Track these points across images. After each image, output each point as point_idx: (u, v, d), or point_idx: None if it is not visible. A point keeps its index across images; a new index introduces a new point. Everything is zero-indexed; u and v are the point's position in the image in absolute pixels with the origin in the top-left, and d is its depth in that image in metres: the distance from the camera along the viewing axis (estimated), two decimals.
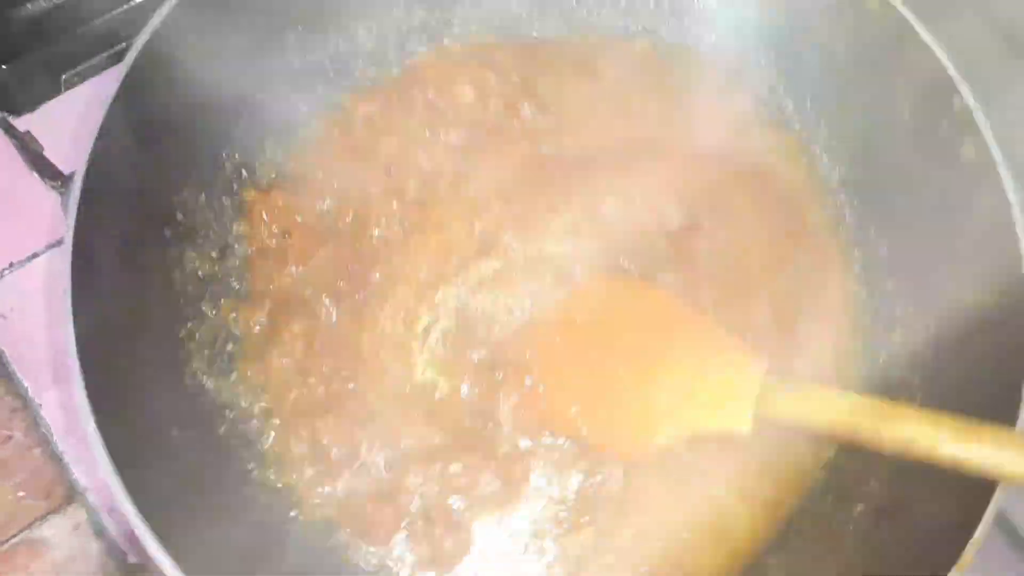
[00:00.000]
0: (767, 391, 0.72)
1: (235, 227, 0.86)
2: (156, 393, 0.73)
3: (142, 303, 0.76)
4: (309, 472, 0.78)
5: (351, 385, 0.81)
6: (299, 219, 0.86)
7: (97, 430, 0.62)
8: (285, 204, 0.86)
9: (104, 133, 0.71)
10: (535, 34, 0.99)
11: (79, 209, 0.68)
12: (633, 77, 0.93)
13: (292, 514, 0.78)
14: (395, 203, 0.87)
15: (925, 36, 0.78)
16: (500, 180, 0.89)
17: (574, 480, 0.80)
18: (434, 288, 0.85)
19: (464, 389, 0.82)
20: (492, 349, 0.82)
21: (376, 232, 0.86)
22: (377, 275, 0.85)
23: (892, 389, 0.80)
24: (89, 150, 0.70)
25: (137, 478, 0.63)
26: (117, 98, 0.72)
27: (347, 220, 0.86)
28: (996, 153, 0.73)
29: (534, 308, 0.84)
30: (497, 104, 0.92)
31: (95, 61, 0.97)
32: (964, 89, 0.75)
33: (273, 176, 0.89)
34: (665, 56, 0.97)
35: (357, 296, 0.83)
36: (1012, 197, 0.72)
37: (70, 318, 0.65)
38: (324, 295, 0.83)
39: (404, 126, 0.91)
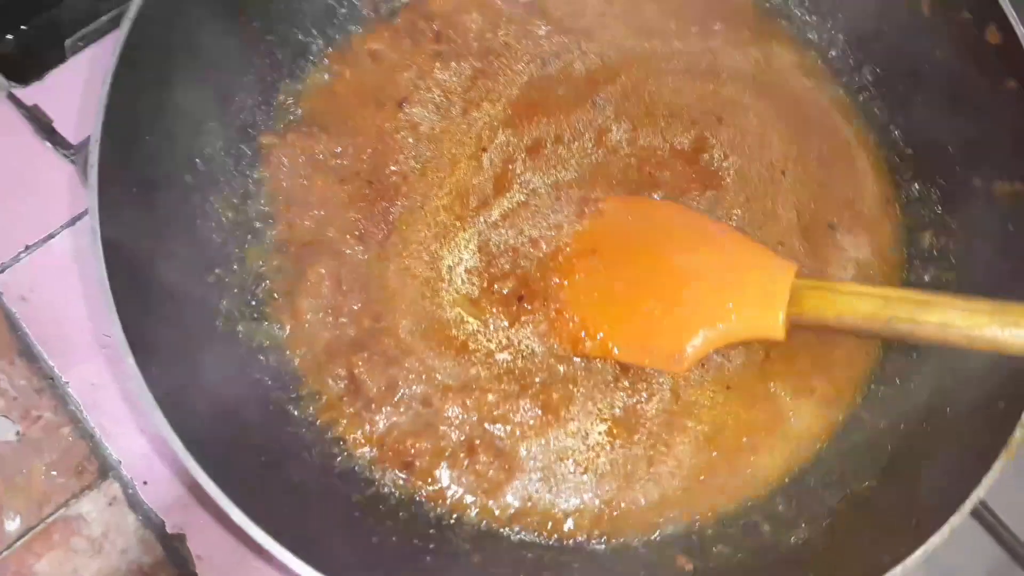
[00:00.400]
0: (798, 292, 0.71)
1: (254, 172, 0.85)
2: (191, 338, 0.73)
3: (170, 252, 0.75)
4: (348, 410, 0.77)
5: (381, 323, 0.80)
6: (318, 159, 0.85)
7: (139, 371, 0.61)
8: (302, 146, 0.85)
9: (114, 93, 0.71)
10: None
11: (100, 168, 0.68)
12: None
13: (334, 451, 0.77)
14: (410, 138, 0.87)
15: None
16: (510, 107, 0.89)
17: (618, 399, 0.79)
18: (455, 227, 0.85)
19: (492, 323, 0.81)
20: (517, 281, 0.82)
21: (393, 167, 0.86)
22: (399, 211, 0.84)
23: (927, 287, 0.80)
24: (102, 113, 0.70)
25: (179, 420, 0.62)
26: (122, 57, 0.72)
27: (363, 158, 0.85)
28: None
29: (556, 237, 0.83)
30: (507, 28, 0.91)
31: (97, 24, 0.95)
32: None
33: (289, 119, 0.88)
34: None
35: (380, 234, 0.83)
36: None
37: (105, 275, 0.64)
38: (347, 235, 0.83)
39: (413, 60, 0.91)
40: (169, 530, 0.86)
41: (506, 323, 0.81)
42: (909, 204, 0.87)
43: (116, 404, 0.90)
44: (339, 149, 0.85)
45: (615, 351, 0.78)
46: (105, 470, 0.88)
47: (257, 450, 0.71)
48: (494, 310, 0.81)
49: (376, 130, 0.87)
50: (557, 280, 0.81)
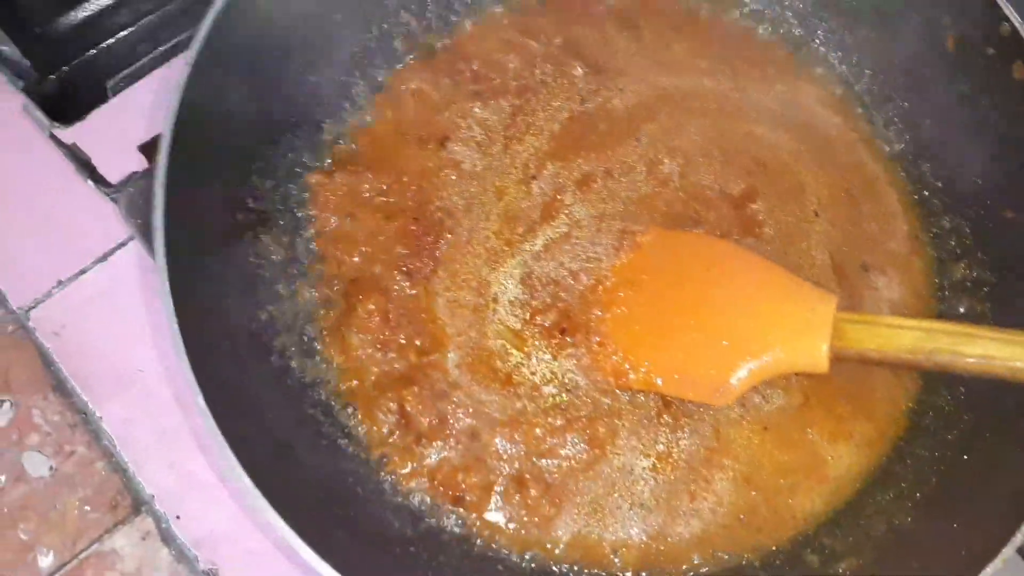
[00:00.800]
0: (839, 325, 0.72)
1: (303, 211, 0.86)
2: (248, 376, 0.73)
3: (223, 290, 0.76)
4: (398, 444, 0.78)
5: (429, 356, 0.81)
6: (364, 197, 0.86)
7: (206, 406, 0.61)
8: (348, 185, 0.86)
9: (175, 129, 0.72)
10: None
11: (166, 201, 0.69)
12: (675, 33, 0.95)
13: (386, 487, 0.78)
14: (453, 175, 0.89)
15: None
16: (554, 142, 0.91)
17: (661, 434, 0.80)
18: (503, 252, 0.86)
19: (535, 355, 0.82)
20: (559, 313, 0.83)
21: (438, 203, 0.87)
22: (445, 246, 0.85)
23: (962, 319, 0.81)
24: (167, 147, 0.70)
25: (246, 458, 0.63)
26: (185, 94, 0.73)
27: (408, 195, 0.87)
28: None
29: (599, 269, 0.84)
30: (543, 68, 0.93)
31: (138, 65, 0.97)
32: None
33: (335, 159, 0.89)
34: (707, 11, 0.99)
35: (426, 269, 0.84)
36: None
37: (173, 315, 0.65)
38: (394, 271, 0.84)
39: (454, 99, 0.92)
40: (202, 566, 0.86)
41: (549, 356, 0.82)
42: (939, 237, 0.89)
43: (149, 438, 0.90)
44: (384, 187, 0.86)
45: (658, 383, 0.78)
46: (138, 505, 0.89)
47: (312, 486, 0.72)
48: (536, 343, 0.82)
49: (419, 168, 0.88)
50: (598, 313, 0.82)
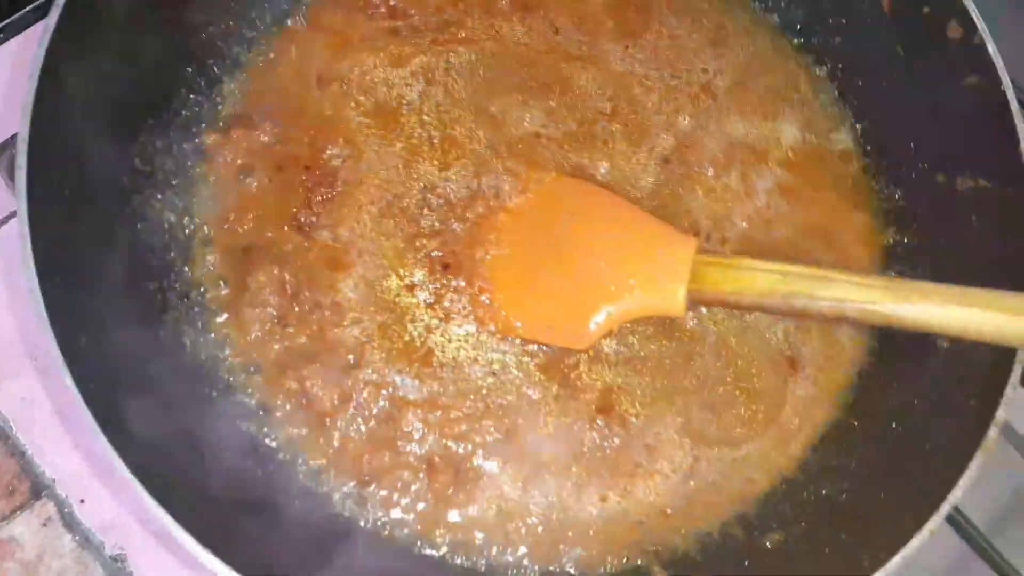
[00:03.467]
0: (699, 268, 0.72)
1: (197, 171, 0.81)
2: (132, 349, 0.68)
3: (108, 260, 0.71)
4: (300, 424, 0.74)
5: (332, 330, 0.76)
6: (259, 148, 0.81)
7: (75, 384, 0.57)
8: (247, 141, 0.81)
9: (42, 89, 0.66)
10: None
11: (29, 173, 0.63)
12: None
13: (288, 468, 0.73)
14: (357, 118, 0.84)
15: None
16: (473, 82, 0.87)
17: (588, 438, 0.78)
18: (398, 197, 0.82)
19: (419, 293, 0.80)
20: (442, 243, 0.81)
21: (334, 150, 0.83)
22: (337, 193, 0.81)
23: None
24: (30, 109, 0.65)
25: (121, 440, 0.58)
26: (50, 51, 0.66)
27: (304, 142, 0.82)
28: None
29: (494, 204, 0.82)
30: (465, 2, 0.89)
31: (21, 14, 0.90)
32: None
33: (232, 112, 0.84)
34: None
35: (320, 221, 0.80)
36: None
37: (36, 284, 0.60)
38: (286, 227, 0.79)
39: (365, 35, 0.87)
40: (108, 551, 0.81)
41: (428, 295, 0.79)
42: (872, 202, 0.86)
43: (50, 420, 0.85)
44: (279, 132, 0.82)
45: (518, 326, 0.78)
46: (38, 490, 0.83)
47: (206, 470, 0.68)
48: (417, 271, 0.79)
49: (316, 112, 0.83)
50: (481, 252, 0.80)
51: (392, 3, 0.87)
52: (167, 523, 0.56)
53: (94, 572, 0.81)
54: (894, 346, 0.79)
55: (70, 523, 0.82)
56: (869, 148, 0.88)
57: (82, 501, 0.82)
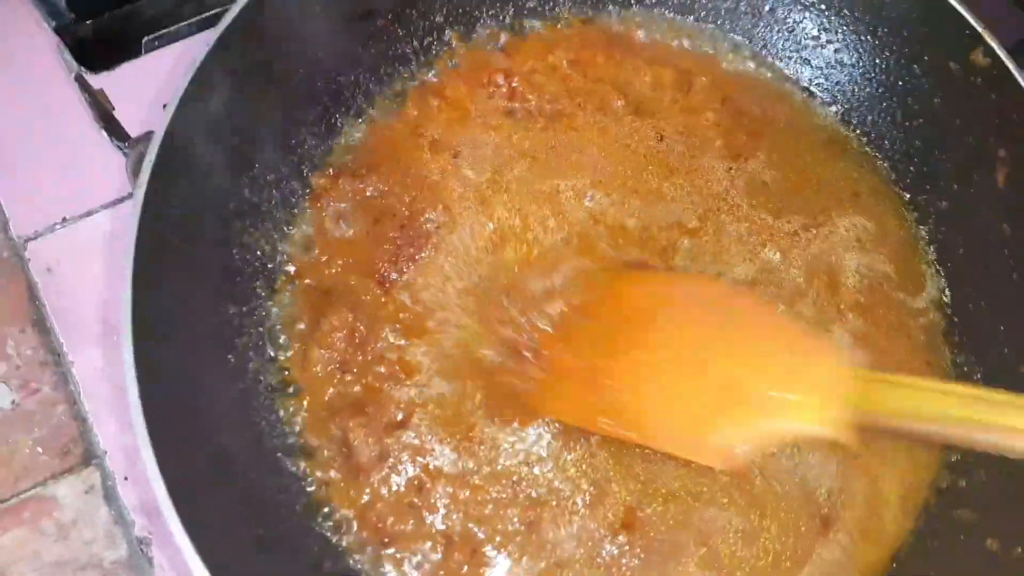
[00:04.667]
0: (864, 385, 0.62)
1: (299, 210, 0.84)
2: (200, 367, 0.72)
3: (198, 274, 0.75)
4: (336, 472, 0.75)
5: (389, 384, 0.78)
6: (361, 199, 0.84)
7: (139, 399, 0.60)
8: (352, 190, 0.84)
9: (186, 100, 0.71)
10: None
11: (153, 171, 0.67)
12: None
13: (313, 512, 0.75)
14: (459, 189, 0.87)
15: None
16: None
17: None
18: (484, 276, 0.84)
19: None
20: (531, 343, 0.79)
21: (432, 215, 0.84)
22: (424, 258, 0.83)
23: None
24: (171, 115, 0.70)
25: (168, 451, 0.61)
26: (202, 67, 0.73)
27: (405, 201, 0.84)
28: None
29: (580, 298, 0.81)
30: (584, 100, 0.90)
31: (177, 28, 0.95)
32: None
33: (344, 161, 0.87)
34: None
35: (401, 279, 0.81)
36: None
37: (129, 281, 0.62)
38: (368, 280, 0.81)
39: (482, 111, 0.90)
40: (137, 532, 0.84)
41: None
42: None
43: (112, 395, 0.88)
44: (384, 188, 0.84)
45: (654, 436, 0.71)
46: (89, 457, 0.87)
47: (239, 498, 0.70)
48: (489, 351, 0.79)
49: (422, 174, 0.86)
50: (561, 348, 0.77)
51: (513, 85, 0.90)
52: (185, 547, 0.58)
53: (119, 548, 0.83)
54: (938, 535, 0.77)
55: (110, 496, 0.85)
56: (955, 319, 0.85)
57: (125, 478, 0.85)
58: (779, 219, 0.88)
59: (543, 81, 0.92)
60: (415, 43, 0.91)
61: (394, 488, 0.75)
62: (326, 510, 0.74)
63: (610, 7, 0.96)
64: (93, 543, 0.84)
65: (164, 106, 0.87)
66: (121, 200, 0.93)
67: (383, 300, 0.81)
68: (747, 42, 0.96)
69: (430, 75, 0.92)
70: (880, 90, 0.91)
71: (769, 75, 0.96)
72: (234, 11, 0.72)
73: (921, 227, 0.90)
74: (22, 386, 0.88)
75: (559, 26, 0.95)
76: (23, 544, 0.83)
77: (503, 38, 0.94)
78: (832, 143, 0.93)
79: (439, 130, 0.88)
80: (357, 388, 0.78)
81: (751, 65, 0.96)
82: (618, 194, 0.87)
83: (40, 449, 0.86)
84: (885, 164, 0.92)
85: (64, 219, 0.92)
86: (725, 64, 0.96)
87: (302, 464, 0.76)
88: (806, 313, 0.84)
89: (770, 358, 0.67)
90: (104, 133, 0.85)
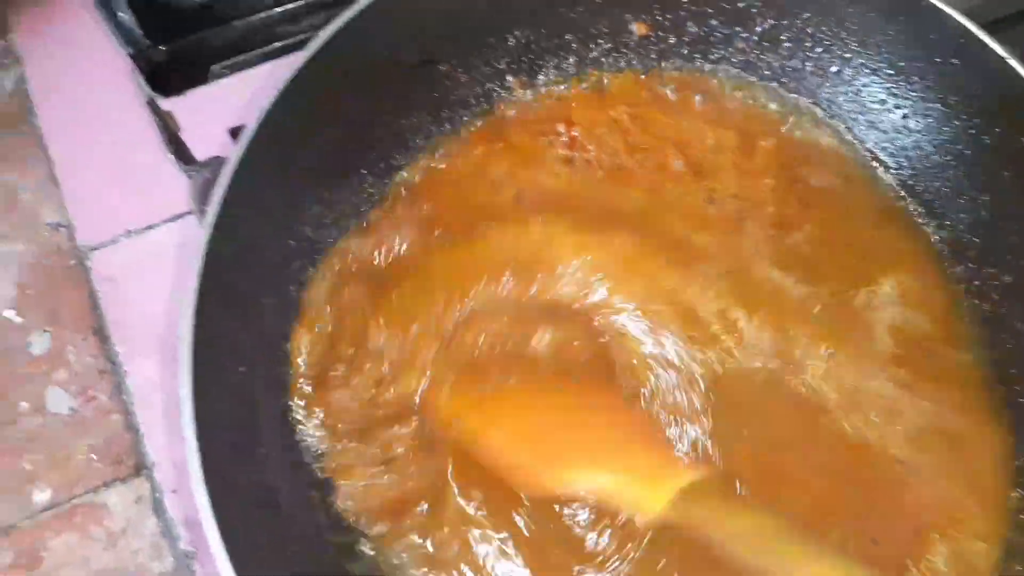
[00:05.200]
0: (691, 496, 0.71)
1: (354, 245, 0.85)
2: (255, 404, 0.72)
3: (256, 312, 0.77)
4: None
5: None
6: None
7: (190, 374, 0.64)
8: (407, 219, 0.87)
9: (263, 126, 0.73)
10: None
11: (225, 196, 0.69)
12: None
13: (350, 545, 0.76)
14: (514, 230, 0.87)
15: None
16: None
17: None
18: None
19: None
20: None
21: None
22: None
23: None
24: (249, 139, 0.72)
25: (216, 474, 0.62)
26: (283, 94, 0.74)
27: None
28: None
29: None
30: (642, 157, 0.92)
31: (245, 57, 0.97)
32: None
33: (401, 192, 0.89)
34: None
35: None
36: None
37: (192, 307, 0.64)
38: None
39: (543, 157, 0.91)
40: (182, 546, 0.86)
41: None
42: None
43: (165, 406, 0.90)
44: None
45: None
46: (140, 467, 0.89)
47: (279, 523, 0.71)
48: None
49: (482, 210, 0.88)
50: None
51: (574, 134, 0.91)
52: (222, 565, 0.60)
53: (165, 560, 0.85)
54: None
55: (158, 508, 0.86)
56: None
57: (174, 491, 0.86)
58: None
59: (604, 134, 0.92)
60: (476, 88, 0.92)
61: None
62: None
63: (675, 60, 0.96)
64: (139, 553, 0.85)
65: (231, 131, 0.90)
66: (185, 214, 0.96)
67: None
68: (811, 103, 0.95)
69: (493, 119, 0.93)
70: (948, 158, 0.90)
71: (833, 140, 0.95)
72: (320, 41, 0.74)
73: (975, 300, 0.88)
74: (80, 393, 0.90)
75: (619, 79, 0.96)
76: (73, 549, 0.85)
77: (563, 88, 0.95)
78: (887, 211, 0.92)
79: (500, 169, 0.90)
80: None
81: (813, 128, 0.95)
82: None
83: (95, 456, 0.88)
84: (942, 234, 0.91)
85: (128, 231, 0.94)
86: (785, 127, 0.95)
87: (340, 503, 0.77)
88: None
89: (626, 446, 0.77)
90: (171, 155, 0.87)
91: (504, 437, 0.78)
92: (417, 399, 0.81)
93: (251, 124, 0.72)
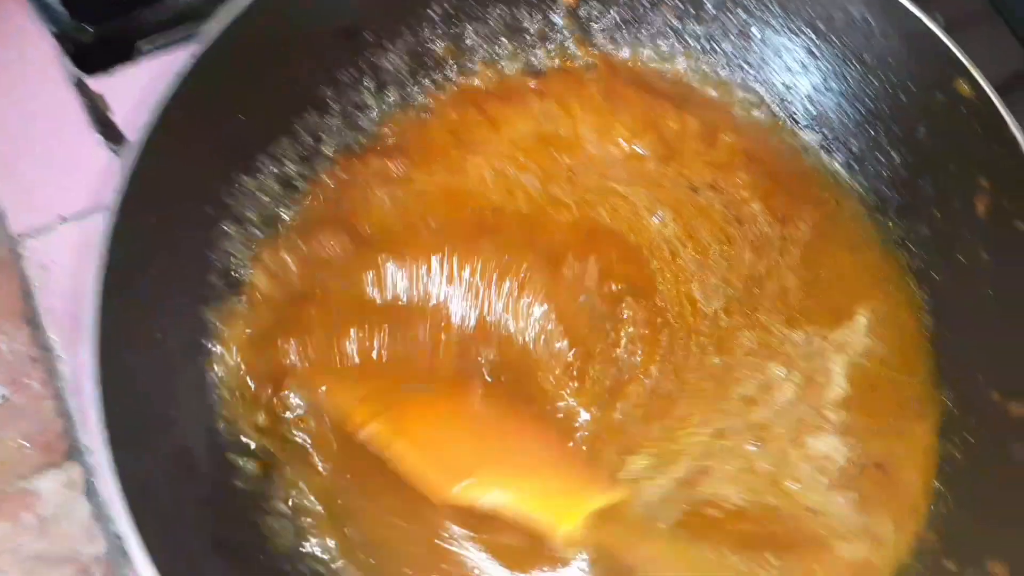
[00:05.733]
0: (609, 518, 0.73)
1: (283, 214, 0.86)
2: (168, 376, 0.71)
3: (170, 278, 0.76)
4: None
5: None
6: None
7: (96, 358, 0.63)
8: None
9: (171, 105, 0.73)
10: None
11: (131, 175, 0.67)
12: None
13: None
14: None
15: None
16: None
17: None
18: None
19: None
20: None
21: None
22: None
23: None
24: (153, 120, 0.70)
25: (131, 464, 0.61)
26: (189, 73, 0.74)
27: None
28: None
29: None
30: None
31: (170, 35, 0.96)
32: None
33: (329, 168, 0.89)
34: None
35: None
36: None
37: (99, 283, 0.63)
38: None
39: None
40: (115, 528, 0.84)
41: None
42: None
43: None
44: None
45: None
46: (72, 453, 0.88)
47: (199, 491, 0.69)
48: None
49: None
50: None
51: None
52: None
53: (98, 543, 0.84)
54: None
55: (91, 492, 0.85)
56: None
57: None
58: None
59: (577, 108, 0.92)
60: (404, 58, 0.92)
61: None
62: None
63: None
64: (72, 538, 0.84)
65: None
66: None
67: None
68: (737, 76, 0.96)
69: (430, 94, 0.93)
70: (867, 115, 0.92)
71: (760, 113, 0.97)
72: (221, 22, 0.73)
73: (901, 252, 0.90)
74: (13, 381, 0.89)
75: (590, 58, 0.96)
76: (5, 537, 0.84)
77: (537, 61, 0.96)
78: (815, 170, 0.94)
79: (477, 130, 0.90)
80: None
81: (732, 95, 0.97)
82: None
83: (27, 443, 0.87)
84: (864, 186, 0.93)
85: (62, 218, 0.93)
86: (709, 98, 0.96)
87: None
88: None
89: (538, 464, 0.78)
90: (100, 136, 0.86)
91: (409, 447, 0.76)
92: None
93: (158, 98, 0.72)
